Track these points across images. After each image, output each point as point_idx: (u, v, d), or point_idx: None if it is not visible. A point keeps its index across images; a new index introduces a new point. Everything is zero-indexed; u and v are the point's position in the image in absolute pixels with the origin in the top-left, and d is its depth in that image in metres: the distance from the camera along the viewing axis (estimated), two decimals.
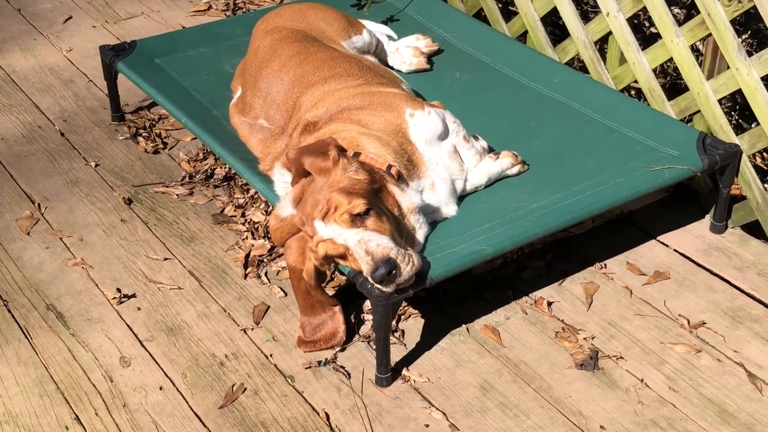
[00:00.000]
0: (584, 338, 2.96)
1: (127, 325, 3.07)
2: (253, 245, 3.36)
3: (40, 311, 3.13)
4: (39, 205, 3.63)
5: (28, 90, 4.39)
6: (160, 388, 2.84)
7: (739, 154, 3.24)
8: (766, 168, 3.89)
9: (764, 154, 3.96)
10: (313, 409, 2.76)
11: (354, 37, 3.70)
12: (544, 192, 3.08)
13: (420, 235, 2.86)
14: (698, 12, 3.26)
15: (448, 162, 3.04)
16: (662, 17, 3.38)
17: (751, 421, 2.68)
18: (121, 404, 2.79)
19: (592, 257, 3.28)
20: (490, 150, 3.21)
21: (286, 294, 3.16)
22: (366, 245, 2.61)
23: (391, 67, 3.84)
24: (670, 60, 3.44)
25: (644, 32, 4.36)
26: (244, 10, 5.02)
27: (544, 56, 3.85)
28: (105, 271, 3.29)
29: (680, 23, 3.40)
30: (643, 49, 3.53)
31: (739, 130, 3.76)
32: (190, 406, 2.78)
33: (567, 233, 3.35)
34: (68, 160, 3.89)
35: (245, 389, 2.83)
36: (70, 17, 5.02)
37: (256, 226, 3.46)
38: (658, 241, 3.36)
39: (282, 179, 3.01)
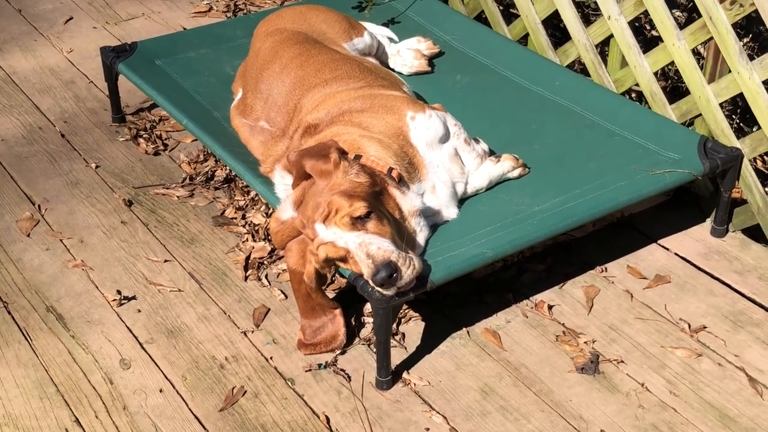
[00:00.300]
0: (585, 342, 2.95)
1: (127, 327, 3.06)
2: (253, 247, 3.36)
3: (40, 313, 3.12)
4: (39, 206, 3.62)
5: (29, 91, 4.39)
6: (160, 391, 2.84)
7: (740, 158, 3.23)
8: (767, 172, 3.89)
9: (765, 157, 3.95)
10: (314, 412, 2.76)
11: (355, 39, 3.70)
12: (544, 195, 3.08)
13: (421, 238, 2.86)
14: (699, 15, 3.26)
15: (449, 165, 3.04)
16: (664, 21, 3.38)
17: (751, 426, 2.68)
18: (121, 407, 2.78)
19: (593, 261, 3.27)
20: (491, 153, 3.21)
21: (286, 296, 3.16)
22: (367, 248, 2.61)
23: (392, 70, 3.84)
24: (672, 63, 3.44)
25: (645, 35, 4.36)
26: (245, 11, 5.02)
27: (545, 59, 3.85)
28: (105, 272, 3.29)
29: (681, 27, 3.40)
30: (644, 53, 3.53)
31: (740, 133, 3.76)
32: (190, 409, 2.78)
33: (568, 236, 3.35)
34: (69, 161, 3.88)
35: (245, 392, 2.82)
36: (71, 18, 5.02)
37: (256, 228, 3.46)
38: (659, 244, 3.36)
39: (283, 181, 3.00)
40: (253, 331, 3.04)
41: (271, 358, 2.94)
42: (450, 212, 3.01)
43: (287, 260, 2.82)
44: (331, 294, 3.12)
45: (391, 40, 3.99)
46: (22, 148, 3.98)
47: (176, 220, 3.54)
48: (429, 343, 2.97)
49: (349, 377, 2.86)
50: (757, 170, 3.66)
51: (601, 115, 3.47)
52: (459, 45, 4.03)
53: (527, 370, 2.87)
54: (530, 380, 2.84)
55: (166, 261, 3.34)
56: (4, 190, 3.73)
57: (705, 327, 3.01)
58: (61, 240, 3.45)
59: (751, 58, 3.17)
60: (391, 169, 2.86)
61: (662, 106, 3.50)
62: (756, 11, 3.10)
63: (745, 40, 4.13)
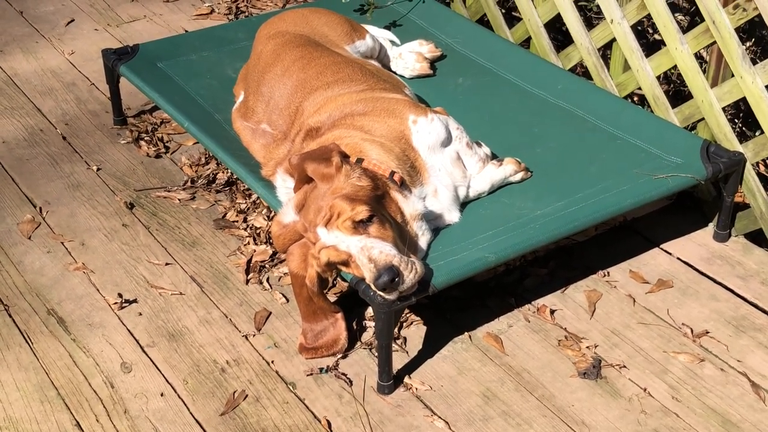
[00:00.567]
0: (587, 347, 2.95)
1: (129, 331, 3.06)
2: (254, 251, 3.35)
3: (41, 316, 3.12)
4: (40, 209, 3.62)
5: (30, 93, 4.38)
6: (161, 395, 2.83)
7: (742, 163, 3.23)
8: None
9: None
10: (315, 416, 2.75)
11: (357, 41, 3.70)
12: (547, 199, 3.07)
13: (423, 242, 2.85)
14: (702, 19, 3.25)
15: (451, 168, 3.03)
16: (667, 25, 3.37)
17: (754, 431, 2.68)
18: (122, 410, 2.78)
19: (595, 265, 3.27)
20: (493, 156, 3.20)
21: (287, 300, 3.15)
22: (369, 252, 2.60)
23: (394, 73, 3.83)
24: (674, 67, 3.43)
25: (648, 39, 4.35)
26: (246, 14, 5.01)
27: (547, 62, 3.84)
28: (106, 275, 3.29)
29: (684, 31, 3.39)
30: (647, 56, 3.52)
31: (742, 138, 3.75)
32: (191, 413, 2.77)
33: (570, 241, 3.34)
34: (70, 163, 3.88)
35: (246, 396, 2.82)
36: (73, 20, 5.02)
37: (258, 231, 3.45)
38: (662, 249, 3.35)
39: (284, 185, 3.00)
40: (254, 335, 3.03)
41: (272, 362, 2.94)
42: (452, 216, 3.00)
43: (289, 264, 2.81)
44: (332, 298, 3.11)
45: (393, 43, 3.99)
46: (23, 151, 3.97)
47: (178, 223, 3.54)
48: (431, 347, 2.97)
49: (351, 381, 2.85)
50: (759, 174, 3.65)
51: (603, 119, 3.47)
52: (461, 48, 4.03)
53: (529, 374, 2.87)
54: (532, 385, 2.83)
55: (167, 264, 3.34)
56: (5, 192, 3.72)
57: (707, 332, 3.00)
58: (62, 243, 3.44)
59: (754, 62, 3.16)
60: (393, 173, 2.85)
61: (665, 110, 3.49)
62: (759, 15, 3.09)
63: (748, 44, 4.12)
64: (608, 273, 3.24)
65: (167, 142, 4.01)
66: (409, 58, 3.85)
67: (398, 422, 2.73)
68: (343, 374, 2.87)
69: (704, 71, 3.36)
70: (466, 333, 3.02)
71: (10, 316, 3.12)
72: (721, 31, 3.18)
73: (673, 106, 3.49)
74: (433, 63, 3.92)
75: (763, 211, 3.24)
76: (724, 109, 3.30)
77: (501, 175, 3.13)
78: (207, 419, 2.75)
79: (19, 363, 2.94)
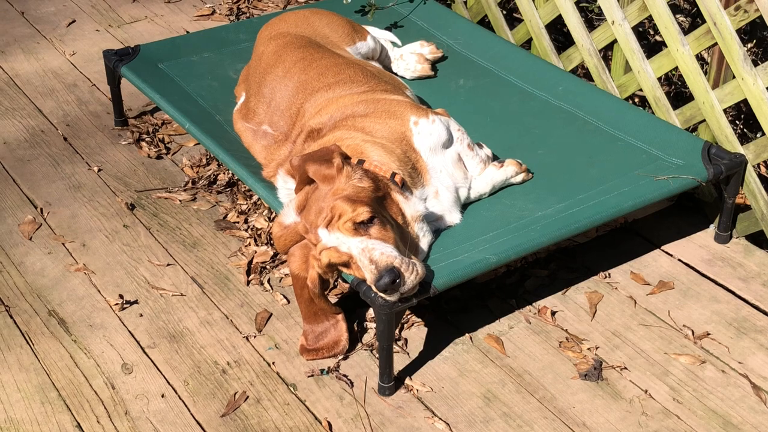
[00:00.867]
0: (588, 348, 2.94)
1: (129, 332, 3.06)
2: (255, 252, 3.35)
3: (41, 317, 3.12)
4: (41, 210, 3.62)
5: (31, 94, 4.38)
6: (162, 396, 2.83)
7: (744, 164, 3.23)
8: None
9: None
10: (316, 418, 2.75)
11: (358, 43, 3.69)
12: (548, 201, 3.07)
13: (424, 243, 2.85)
14: (703, 21, 3.25)
15: (452, 170, 3.03)
16: (668, 26, 3.37)
17: None
18: (123, 411, 2.78)
19: (596, 266, 3.27)
20: (495, 158, 3.20)
21: (288, 301, 3.15)
22: (370, 254, 2.60)
23: (395, 74, 3.83)
24: (676, 69, 3.43)
25: (649, 40, 4.35)
26: (247, 15, 5.01)
27: (548, 64, 3.84)
28: (107, 276, 3.29)
29: (685, 32, 3.39)
30: (648, 58, 3.52)
31: (743, 139, 3.75)
32: (192, 414, 2.77)
33: (571, 242, 3.34)
34: (71, 164, 3.88)
35: (247, 397, 2.82)
36: (74, 21, 5.02)
37: (259, 232, 3.45)
38: (663, 250, 3.35)
39: (285, 186, 3.00)
40: (255, 336, 3.03)
41: (273, 363, 2.94)
42: (453, 217, 3.00)
43: (290, 265, 2.81)
44: (333, 299, 3.11)
45: (394, 44, 3.99)
46: (24, 151, 3.97)
47: (178, 224, 3.54)
48: (432, 348, 2.97)
49: (352, 383, 2.85)
50: (761, 176, 3.65)
51: (604, 121, 3.47)
52: (462, 49, 4.03)
53: (530, 376, 2.86)
54: (533, 387, 2.83)
55: (168, 265, 3.34)
56: (6, 193, 3.72)
57: (708, 334, 3.00)
58: (63, 244, 3.44)
59: (756, 63, 3.16)
60: (394, 174, 2.85)
61: (666, 112, 3.49)
62: (760, 17, 3.09)
63: (749, 45, 4.12)
64: (609, 274, 3.24)
65: (168, 143, 4.01)
66: (411, 59, 3.85)
67: (399, 424, 2.73)
68: (344, 375, 2.87)
69: (705, 73, 3.36)
70: (467, 334, 3.02)
71: (11, 317, 3.12)
72: (723, 33, 3.18)
73: (675, 107, 3.49)
74: (434, 64, 3.92)
75: (764, 213, 3.24)
76: (725, 110, 3.30)
77: (502, 176, 3.13)
78: (208, 420, 2.75)
79: (20, 364, 2.94)
